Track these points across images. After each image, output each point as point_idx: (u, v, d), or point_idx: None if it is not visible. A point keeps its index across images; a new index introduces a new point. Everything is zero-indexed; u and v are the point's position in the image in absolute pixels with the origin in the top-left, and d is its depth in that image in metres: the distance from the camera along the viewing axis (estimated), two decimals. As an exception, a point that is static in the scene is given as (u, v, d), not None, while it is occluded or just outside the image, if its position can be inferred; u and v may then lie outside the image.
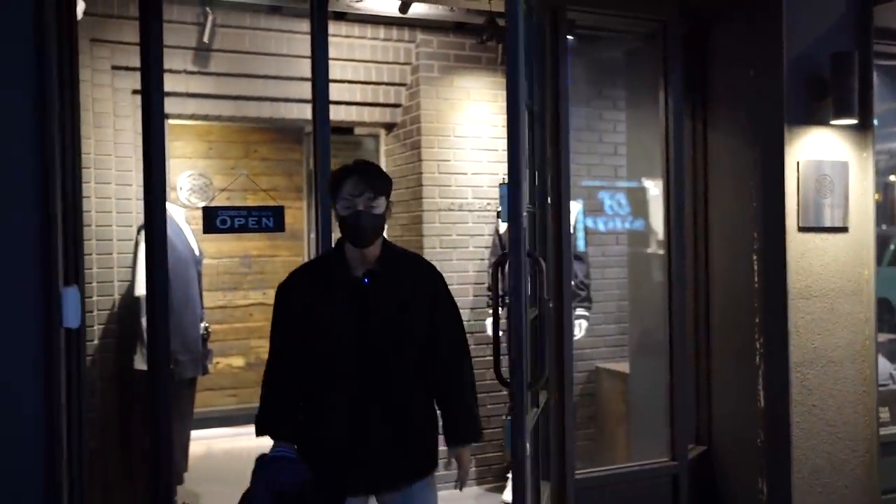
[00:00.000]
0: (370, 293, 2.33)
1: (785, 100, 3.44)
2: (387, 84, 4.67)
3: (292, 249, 6.39)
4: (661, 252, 3.88)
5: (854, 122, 3.49)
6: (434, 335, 2.41)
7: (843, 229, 3.59)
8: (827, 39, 3.52)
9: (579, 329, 4.33)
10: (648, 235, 4.31)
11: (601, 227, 5.17)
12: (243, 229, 3.01)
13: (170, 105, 4.11)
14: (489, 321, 4.54)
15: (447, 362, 2.43)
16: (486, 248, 4.68)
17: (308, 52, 3.21)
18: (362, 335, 2.30)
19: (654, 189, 4.33)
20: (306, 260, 6.46)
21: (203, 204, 5.70)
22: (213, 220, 3.00)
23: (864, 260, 3.63)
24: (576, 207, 4.31)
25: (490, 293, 4.57)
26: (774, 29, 3.45)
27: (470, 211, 4.64)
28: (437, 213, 4.59)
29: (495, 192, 4.62)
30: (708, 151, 3.89)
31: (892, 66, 4.15)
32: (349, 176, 2.30)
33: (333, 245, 2.44)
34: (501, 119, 4.56)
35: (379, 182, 2.33)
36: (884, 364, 4.24)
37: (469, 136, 4.63)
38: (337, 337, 2.30)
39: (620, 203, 5.14)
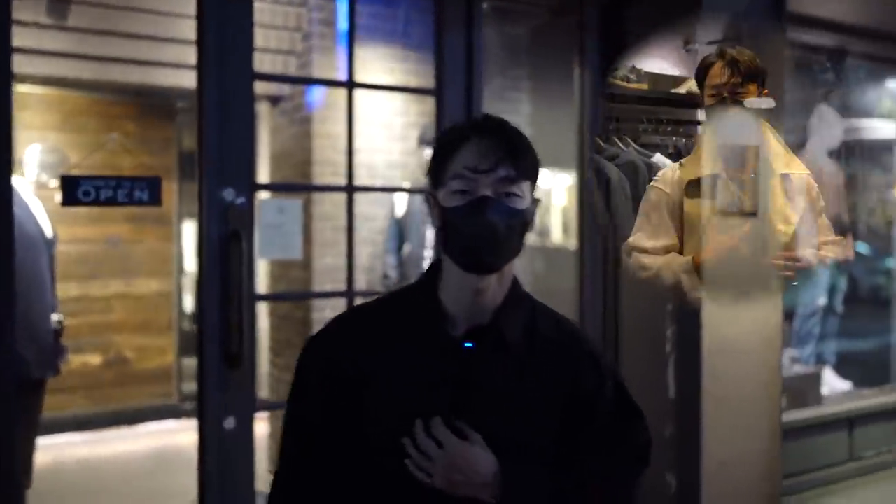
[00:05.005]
0: (474, 369, 1.34)
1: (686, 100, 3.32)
2: (273, 52, 4.26)
3: (160, 235, 5.85)
4: (555, 244, 3.72)
5: (769, 103, 3.40)
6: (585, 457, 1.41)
7: (753, 213, 3.52)
8: (744, 18, 3.43)
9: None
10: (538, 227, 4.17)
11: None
12: (111, 202, 2.56)
13: (18, 64, 3.55)
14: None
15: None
16: (380, 233, 4.38)
17: (187, 10, 2.79)
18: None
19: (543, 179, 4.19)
20: (177, 248, 5.97)
21: (55, 181, 5.08)
22: (74, 190, 2.53)
23: (773, 245, 3.57)
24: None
25: (385, 281, 4.29)
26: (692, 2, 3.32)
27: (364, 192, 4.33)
28: (328, 194, 4.24)
29: (391, 173, 4.33)
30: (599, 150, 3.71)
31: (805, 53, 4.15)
32: (471, 137, 1.32)
33: (423, 273, 1.44)
34: (399, 94, 4.26)
35: (526, 155, 1.35)
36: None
37: (364, 111, 4.30)
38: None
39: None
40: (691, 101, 3.46)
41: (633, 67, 3.25)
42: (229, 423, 2.68)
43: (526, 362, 1.37)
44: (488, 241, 1.29)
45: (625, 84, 3.34)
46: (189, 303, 7.20)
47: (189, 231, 7.14)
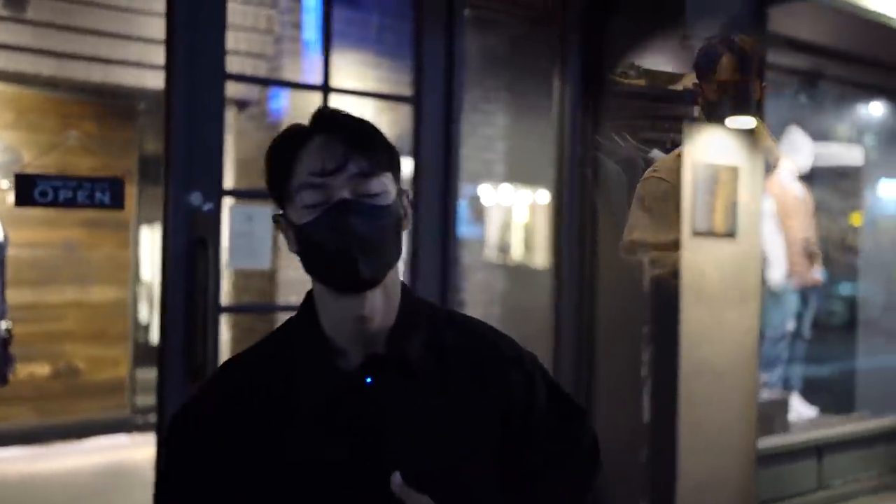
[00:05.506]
0: (382, 408, 1.12)
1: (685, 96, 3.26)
2: (243, 55, 4.12)
3: (117, 241, 5.62)
4: (516, 261, 3.63)
5: (750, 123, 3.37)
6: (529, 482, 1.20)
7: (731, 235, 3.47)
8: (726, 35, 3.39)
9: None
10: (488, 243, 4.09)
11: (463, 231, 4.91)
12: (70, 204, 2.40)
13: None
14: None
15: None
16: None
17: (153, 7, 2.65)
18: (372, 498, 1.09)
19: (488, 197, 4.09)
20: (135, 255, 5.75)
21: (6, 183, 4.86)
22: (30, 190, 2.36)
23: (750, 267, 3.52)
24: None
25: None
26: (677, 18, 3.27)
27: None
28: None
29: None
30: (598, 148, 3.65)
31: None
32: (309, 138, 1.13)
33: (301, 304, 1.21)
34: (371, 101, 4.14)
35: (378, 145, 1.15)
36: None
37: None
38: None
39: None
40: (689, 97, 3.36)
41: (632, 64, 3.16)
42: (190, 441, 2.53)
43: (440, 384, 1.15)
44: (361, 251, 1.08)
45: (622, 80, 3.25)
46: (144, 312, 6.96)
47: (147, 238, 6.92)
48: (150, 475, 2.53)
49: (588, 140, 3.65)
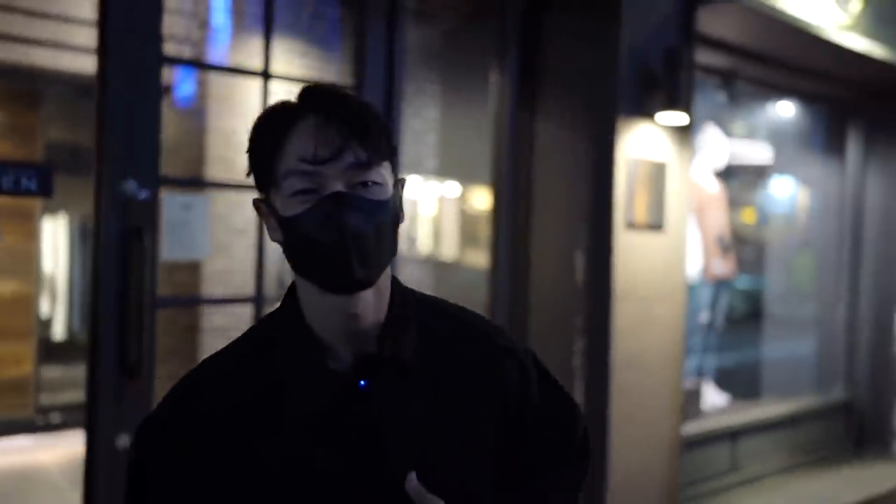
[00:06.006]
0: (378, 412, 1.04)
1: (619, 91, 3.32)
2: (167, 38, 3.95)
3: (21, 232, 5.31)
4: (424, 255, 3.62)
5: (682, 118, 3.45)
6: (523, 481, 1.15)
7: (660, 228, 3.56)
8: (657, 35, 3.47)
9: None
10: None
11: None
12: (-7, 190, 2.25)
13: None
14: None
15: None
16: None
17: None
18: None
19: (420, 190, 4.05)
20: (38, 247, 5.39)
21: None
22: (-52, 176, 2.21)
23: (678, 260, 3.62)
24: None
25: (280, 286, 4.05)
26: (613, 14, 3.32)
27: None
28: (220, 193, 3.97)
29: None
30: (534, 142, 3.68)
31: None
32: (299, 117, 1.00)
33: (280, 303, 1.12)
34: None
35: (377, 130, 1.02)
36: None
37: (255, 105, 4.06)
38: None
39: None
40: (627, 93, 3.42)
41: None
42: (123, 440, 2.41)
43: (434, 380, 1.08)
44: (357, 250, 0.98)
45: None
46: (46, 307, 6.61)
47: (49, 229, 6.57)
48: (57, 478, 2.38)
49: (526, 134, 3.67)
